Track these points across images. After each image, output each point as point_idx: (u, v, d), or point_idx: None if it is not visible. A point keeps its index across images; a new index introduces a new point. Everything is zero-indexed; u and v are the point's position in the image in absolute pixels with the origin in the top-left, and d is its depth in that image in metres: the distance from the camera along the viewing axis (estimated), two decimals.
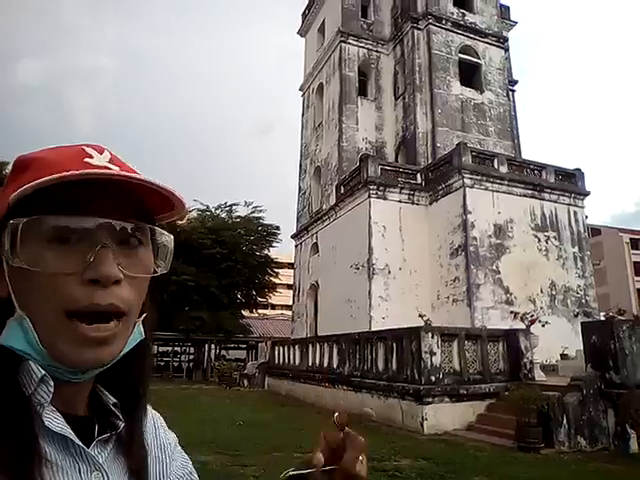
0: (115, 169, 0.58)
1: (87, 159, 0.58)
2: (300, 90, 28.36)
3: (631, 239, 51.96)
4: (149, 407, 0.73)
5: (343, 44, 23.02)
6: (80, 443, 0.57)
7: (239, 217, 30.29)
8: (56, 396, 0.56)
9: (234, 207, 30.58)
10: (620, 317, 10.29)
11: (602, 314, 15.13)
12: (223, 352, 31.40)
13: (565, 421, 8.39)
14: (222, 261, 26.80)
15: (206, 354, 28.73)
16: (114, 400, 0.65)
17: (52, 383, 0.55)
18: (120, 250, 0.58)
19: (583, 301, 16.99)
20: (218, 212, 30.56)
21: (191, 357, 29.50)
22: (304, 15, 28.92)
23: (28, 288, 0.55)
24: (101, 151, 0.61)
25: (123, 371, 0.66)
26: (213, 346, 29.30)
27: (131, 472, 0.63)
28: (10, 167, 0.60)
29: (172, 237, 0.65)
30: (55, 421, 0.55)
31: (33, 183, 0.53)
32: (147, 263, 0.61)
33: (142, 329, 0.63)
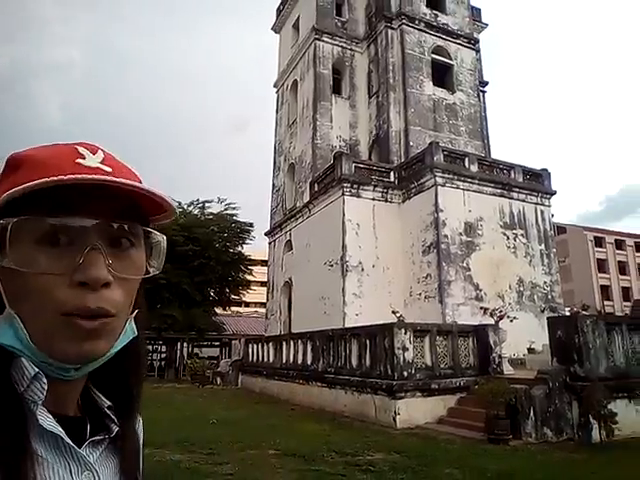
0: (107, 170, 0.57)
1: (79, 160, 0.57)
2: (274, 87, 28.22)
3: (595, 237, 53.90)
4: None
5: (317, 42, 23.02)
6: (71, 442, 0.57)
7: (212, 214, 29.96)
8: (48, 394, 0.56)
9: (207, 204, 30.25)
10: (584, 312, 10.70)
11: (567, 309, 15.65)
12: (196, 350, 31.05)
13: (532, 413, 8.67)
14: (195, 258, 26.46)
15: (178, 352, 28.37)
16: (108, 403, 0.65)
17: (45, 380, 0.55)
18: (111, 251, 0.57)
19: (549, 297, 17.54)
20: (190, 209, 30.15)
21: (163, 356, 29.08)
22: (279, 10, 28.77)
23: (18, 288, 0.55)
24: (94, 151, 0.60)
25: (117, 371, 0.66)
26: (186, 344, 28.95)
27: (123, 473, 0.63)
28: (3, 165, 0.59)
29: (164, 237, 0.65)
30: (47, 419, 0.55)
31: (19, 188, 0.53)
32: (139, 264, 0.61)
33: (134, 326, 0.63)
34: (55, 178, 0.53)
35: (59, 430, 0.56)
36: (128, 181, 0.56)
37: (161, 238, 0.64)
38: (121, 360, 0.64)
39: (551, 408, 8.81)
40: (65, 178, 0.53)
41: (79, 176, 0.54)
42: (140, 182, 0.61)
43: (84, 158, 0.58)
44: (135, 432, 0.68)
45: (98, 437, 0.61)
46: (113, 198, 0.58)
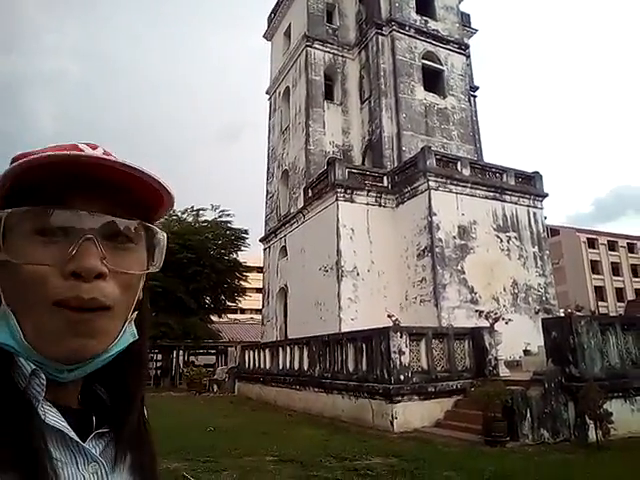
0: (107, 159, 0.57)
1: (76, 152, 0.57)
2: (267, 93, 28.32)
3: (588, 239, 54.27)
4: None
5: (309, 48, 23.15)
6: (76, 437, 0.57)
7: (206, 221, 29.92)
8: (48, 390, 0.56)
9: (201, 211, 30.22)
10: (578, 313, 10.77)
11: (562, 311, 15.75)
12: (192, 358, 30.92)
13: (529, 415, 8.70)
14: (189, 266, 26.39)
15: (174, 361, 28.22)
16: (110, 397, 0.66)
17: (43, 376, 0.55)
18: (108, 244, 0.57)
19: (544, 299, 17.63)
20: (184, 216, 30.11)
21: (159, 364, 28.89)
22: (270, 19, 28.91)
23: (13, 281, 0.55)
24: (94, 147, 0.60)
25: (117, 374, 0.65)
26: (181, 352, 28.82)
27: (130, 466, 0.64)
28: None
29: (165, 235, 0.64)
30: (51, 415, 0.55)
31: (5, 170, 0.54)
32: (138, 260, 0.60)
33: (134, 329, 0.63)
34: (30, 157, 0.53)
35: (63, 425, 0.56)
36: (120, 160, 0.56)
37: (162, 235, 0.63)
38: (122, 363, 0.63)
39: (547, 409, 8.85)
40: (53, 154, 0.53)
41: (55, 153, 0.54)
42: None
43: (82, 151, 0.58)
44: (140, 428, 0.68)
45: (102, 430, 0.62)
46: (112, 191, 0.58)
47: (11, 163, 0.58)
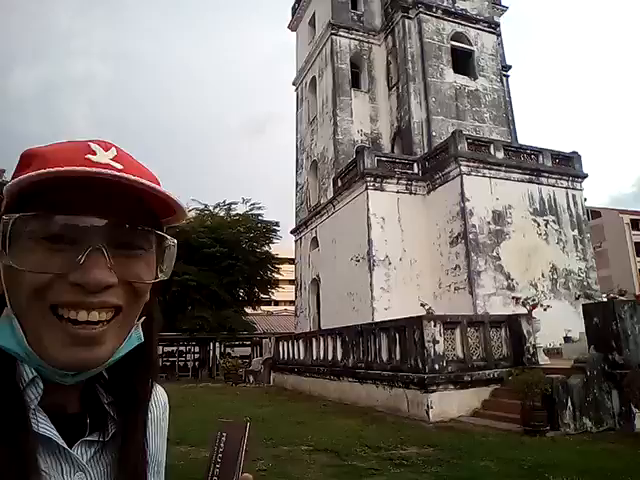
0: (117, 167, 0.55)
1: (89, 155, 0.55)
2: (293, 85, 28.25)
3: (631, 220, 51.91)
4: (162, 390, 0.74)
5: (334, 36, 22.90)
6: (64, 445, 0.56)
7: (238, 215, 30.27)
8: (46, 394, 0.55)
9: (233, 205, 30.60)
10: (621, 298, 10.33)
11: (604, 296, 15.14)
12: (228, 350, 31.45)
13: (570, 403, 8.41)
14: (222, 259, 26.81)
15: (211, 352, 28.80)
16: (110, 399, 0.64)
17: (42, 385, 0.55)
18: (118, 253, 0.55)
19: (585, 284, 17.00)
20: (217, 211, 30.56)
21: (196, 356, 29.58)
22: (294, 9, 28.75)
23: (17, 286, 0.54)
24: (107, 148, 0.58)
25: (123, 375, 0.65)
26: (218, 344, 29.36)
27: (119, 473, 0.62)
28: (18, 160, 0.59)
29: (176, 242, 0.63)
30: (41, 423, 0.55)
31: (16, 180, 0.52)
32: (148, 267, 0.59)
33: (141, 333, 0.62)
34: (52, 170, 0.51)
35: (54, 434, 0.55)
36: (131, 176, 0.53)
37: (172, 242, 0.62)
38: (128, 364, 0.63)
39: (589, 397, 8.53)
40: (62, 169, 0.51)
41: (77, 168, 0.52)
42: (156, 182, 0.59)
43: (94, 154, 0.56)
44: (138, 432, 0.66)
45: (91, 438, 0.60)
46: (123, 198, 0.56)
47: (20, 159, 0.58)
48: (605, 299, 12.11)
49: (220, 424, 0.74)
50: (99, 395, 0.64)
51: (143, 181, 0.54)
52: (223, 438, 0.73)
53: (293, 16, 28.87)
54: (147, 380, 0.68)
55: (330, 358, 14.49)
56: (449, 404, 9.87)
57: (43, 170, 0.51)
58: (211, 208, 30.42)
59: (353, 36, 23.20)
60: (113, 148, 0.58)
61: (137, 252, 0.58)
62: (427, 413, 9.71)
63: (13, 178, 0.56)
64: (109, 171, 0.52)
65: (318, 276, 21.67)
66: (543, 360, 10.79)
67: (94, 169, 0.52)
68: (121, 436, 0.63)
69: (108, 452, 0.62)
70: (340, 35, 23.00)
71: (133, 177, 0.53)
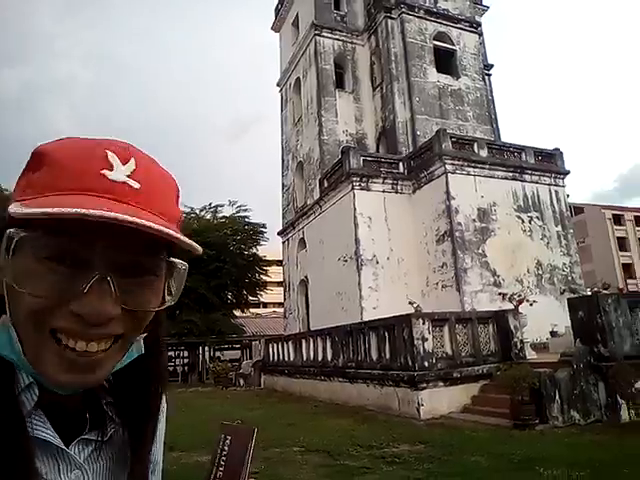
0: (134, 186, 0.53)
1: (105, 171, 0.52)
2: (278, 85, 28.21)
3: (613, 215, 52.81)
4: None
5: (318, 37, 22.93)
6: (61, 444, 0.56)
7: (224, 217, 30.12)
8: (45, 392, 0.55)
9: (219, 208, 30.43)
10: (605, 291, 10.49)
11: (588, 290, 15.37)
12: (218, 353, 31.28)
13: (557, 396, 8.53)
14: (210, 262, 26.61)
15: (200, 356, 28.60)
16: (109, 399, 0.64)
17: (37, 392, 0.55)
18: (124, 281, 0.53)
19: (569, 278, 17.26)
20: (203, 214, 30.37)
21: (185, 361, 29.36)
22: (277, 10, 28.72)
23: (17, 303, 0.52)
24: (126, 159, 0.55)
25: (131, 383, 0.64)
26: (207, 348, 29.18)
27: (117, 472, 0.62)
28: (29, 156, 0.56)
29: (187, 266, 0.59)
30: (36, 426, 0.54)
31: (39, 210, 0.48)
32: (156, 293, 0.57)
33: (142, 344, 0.61)
34: (64, 210, 0.47)
35: (48, 434, 0.55)
36: (143, 222, 0.49)
37: (183, 266, 0.59)
38: (136, 370, 0.63)
39: (577, 390, 8.65)
40: (76, 212, 0.47)
41: (92, 211, 0.47)
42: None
43: (111, 169, 0.53)
44: (148, 443, 0.66)
45: (89, 436, 0.60)
46: (134, 226, 0.52)
47: (31, 158, 0.55)
48: (589, 293, 12.28)
49: (222, 427, 0.73)
50: (98, 394, 0.64)
51: (157, 227, 0.50)
52: (227, 441, 0.72)
53: (276, 17, 28.83)
54: (158, 391, 0.67)
55: (320, 359, 14.49)
56: (439, 401, 9.94)
57: (57, 210, 0.47)
58: (197, 211, 30.23)
59: (336, 37, 23.25)
60: (132, 159, 0.55)
61: (145, 279, 0.55)
62: (418, 410, 9.76)
63: (22, 177, 0.55)
64: (125, 217, 0.48)
65: (306, 277, 21.66)
66: (530, 355, 10.92)
67: (110, 214, 0.48)
68: (130, 446, 0.63)
69: (106, 451, 0.62)
70: (323, 36, 23.03)
71: (147, 223, 0.49)
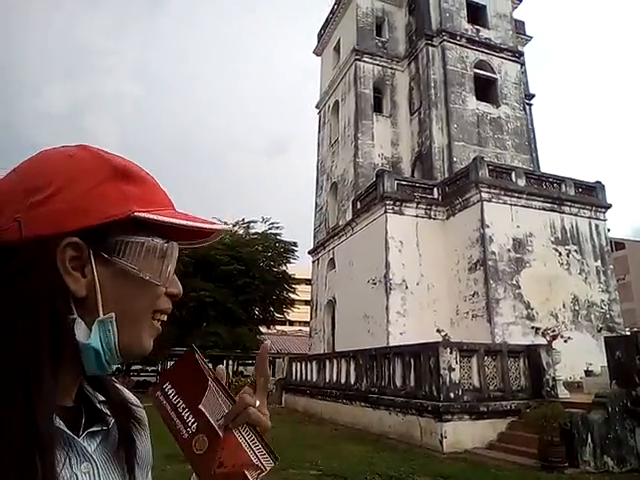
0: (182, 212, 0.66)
1: (202, 225, 0.65)
2: (316, 108, 28.70)
3: None
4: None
5: (358, 62, 23.29)
6: (71, 433, 0.57)
7: (256, 233, 30.44)
8: None
9: (252, 224, 30.81)
10: None
11: (627, 329, 14.69)
12: (241, 368, 31.34)
13: (590, 440, 8.10)
14: (239, 277, 26.89)
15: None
16: (101, 398, 0.66)
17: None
18: None
19: (607, 316, 16.54)
20: (236, 229, 30.80)
21: None
22: (319, 35, 29.41)
23: (136, 294, 0.62)
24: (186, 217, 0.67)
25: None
26: (231, 362, 29.27)
27: (120, 465, 0.64)
28: (107, 168, 0.62)
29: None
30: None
31: (171, 220, 0.60)
32: None
33: None
34: (191, 223, 0.63)
35: (58, 422, 0.56)
36: (216, 226, 0.67)
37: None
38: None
39: (611, 434, 8.21)
40: (203, 226, 0.64)
41: (207, 226, 0.65)
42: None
43: (170, 200, 0.67)
44: (133, 426, 0.69)
45: (95, 428, 0.62)
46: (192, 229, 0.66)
47: (121, 172, 0.62)
48: (628, 333, 11.73)
49: (155, 386, 0.68)
50: (87, 392, 0.66)
51: (215, 227, 0.67)
52: (168, 389, 0.67)
53: (319, 41, 29.51)
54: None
55: (343, 381, 14.30)
56: (464, 434, 9.61)
57: (180, 222, 0.61)
58: (230, 226, 30.68)
59: (377, 62, 23.55)
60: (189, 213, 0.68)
61: None
62: (440, 443, 9.45)
63: (100, 183, 0.59)
64: (217, 227, 0.67)
65: (334, 297, 21.56)
66: (563, 393, 10.46)
67: (206, 225, 0.64)
68: (116, 428, 0.66)
69: (110, 444, 0.64)
70: (364, 61, 23.38)
71: (217, 227, 0.67)
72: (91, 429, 0.61)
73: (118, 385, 0.73)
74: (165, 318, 0.67)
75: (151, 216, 0.60)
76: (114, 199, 0.58)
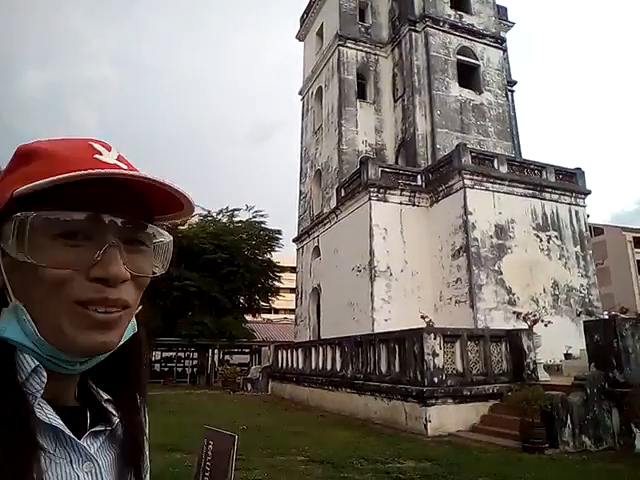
0: (123, 167, 0.58)
1: (97, 156, 0.57)
2: (300, 94, 28.43)
3: (634, 238, 51.76)
4: None
5: (341, 48, 23.08)
6: (71, 434, 0.57)
7: (240, 222, 30.31)
8: (46, 386, 0.56)
9: (235, 212, 30.64)
10: (623, 316, 10.28)
11: (605, 313, 15.06)
12: (227, 357, 31.38)
13: (569, 421, 8.35)
14: (224, 266, 26.81)
15: (210, 359, 28.72)
16: (107, 397, 0.65)
17: (45, 374, 0.56)
18: (127, 248, 0.58)
19: (586, 300, 16.93)
20: (219, 217, 30.61)
21: (195, 362, 29.51)
22: (302, 20, 29.02)
23: (31, 280, 0.55)
24: (109, 148, 0.60)
25: (117, 366, 0.66)
26: (217, 351, 29.29)
27: (124, 465, 0.64)
28: (12, 156, 0.59)
29: (171, 238, 0.64)
30: (46, 412, 0.55)
31: (49, 179, 0.52)
32: (149, 263, 0.62)
33: (135, 323, 0.64)
34: (91, 171, 0.52)
35: (59, 422, 0.56)
36: (159, 179, 0.57)
37: (167, 238, 0.64)
38: (121, 356, 0.64)
39: (589, 416, 8.46)
40: (101, 172, 0.53)
41: (113, 170, 0.55)
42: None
43: (101, 154, 0.58)
44: (137, 424, 0.68)
45: (98, 428, 0.61)
46: (128, 195, 0.59)
47: (17, 156, 0.59)
48: (607, 317, 12.04)
49: (205, 431, 0.72)
50: (92, 390, 0.65)
51: (157, 179, 0.56)
52: (210, 446, 0.71)
53: (301, 26, 29.13)
54: (140, 369, 0.70)
55: (329, 368, 14.42)
56: (447, 418, 9.80)
57: (74, 173, 0.52)
58: (214, 214, 30.48)
59: (360, 47, 23.37)
60: (113, 149, 0.60)
61: (141, 247, 0.60)
62: (425, 427, 9.63)
63: (10, 172, 0.57)
64: (135, 173, 0.55)
65: (319, 285, 21.63)
66: (543, 376, 10.72)
67: (124, 171, 0.55)
68: (121, 427, 0.64)
69: (113, 444, 0.63)
70: (347, 46, 23.18)
71: (156, 178, 0.56)
72: (94, 429, 0.61)
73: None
74: (104, 309, 0.56)
75: (23, 188, 0.52)
76: (9, 184, 0.55)
